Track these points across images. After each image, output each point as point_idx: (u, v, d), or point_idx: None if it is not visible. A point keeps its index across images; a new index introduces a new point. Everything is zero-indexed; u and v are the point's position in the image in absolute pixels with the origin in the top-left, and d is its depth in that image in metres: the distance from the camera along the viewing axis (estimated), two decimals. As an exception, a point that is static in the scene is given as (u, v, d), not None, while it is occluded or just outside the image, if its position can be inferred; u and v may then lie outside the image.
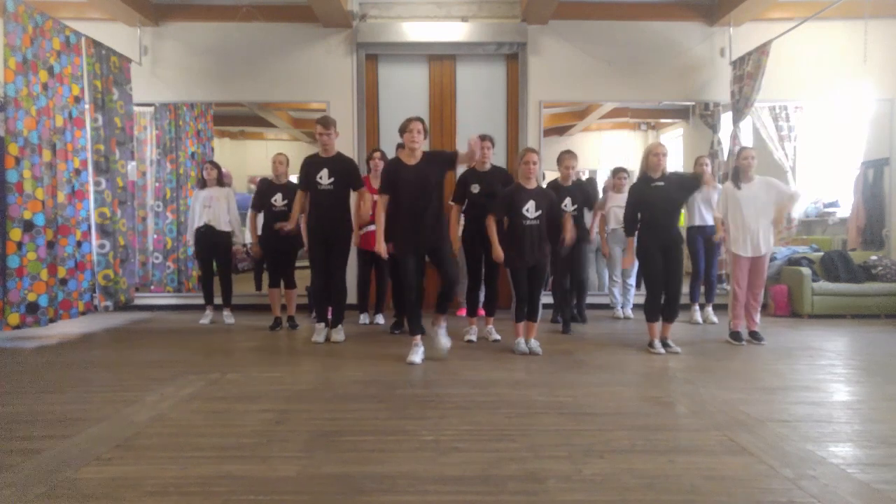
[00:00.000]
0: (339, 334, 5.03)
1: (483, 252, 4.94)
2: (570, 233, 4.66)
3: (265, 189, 5.63)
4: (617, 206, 5.84)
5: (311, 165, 4.91)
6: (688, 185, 4.80)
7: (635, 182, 4.85)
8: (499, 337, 5.01)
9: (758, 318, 4.98)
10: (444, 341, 4.37)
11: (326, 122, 4.89)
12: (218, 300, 6.10)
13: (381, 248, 4.30)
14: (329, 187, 4.85)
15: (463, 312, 5.97)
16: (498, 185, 4.86)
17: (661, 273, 4.56)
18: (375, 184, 5.30)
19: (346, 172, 4.92)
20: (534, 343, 4.59)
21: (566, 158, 5.17)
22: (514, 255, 4.53)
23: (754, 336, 4.93)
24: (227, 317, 6.07)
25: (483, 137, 4.94)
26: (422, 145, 4.33)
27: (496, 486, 2.21)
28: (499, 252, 4.53)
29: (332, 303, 5.07)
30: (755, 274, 4.90)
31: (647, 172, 4.65)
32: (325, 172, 4.85)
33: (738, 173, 4.94)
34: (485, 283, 5.10)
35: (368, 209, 5.03)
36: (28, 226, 4.84)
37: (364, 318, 5.95)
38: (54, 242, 5.16)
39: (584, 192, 5.41)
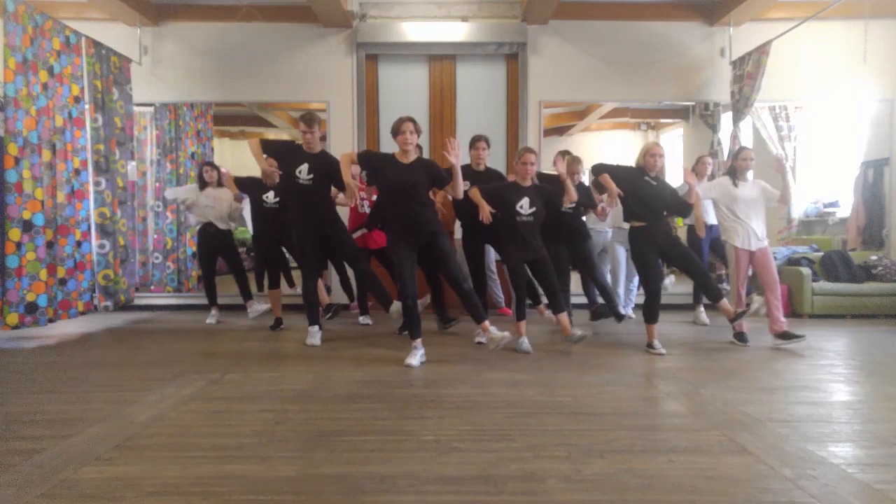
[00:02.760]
0: (397, 313, 4.51)
1: (481, 251, 4.95)
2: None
3: (258, 186, 5.49)
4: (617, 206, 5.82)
5: (292, 153, 4.72)
6: (678, 201, 4.70)
7: (632, 167, 4.78)
8: (484, 340, 4.78)
9: (781, 316, 4.82)
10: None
11: (310, 121, 4.68)
12: (224, 300, 6.08)
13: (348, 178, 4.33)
14: (308, 183, 4.69)
15: (505, 312, 6.07)
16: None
17: (659, 274, 4.56)
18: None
19: (326, 172, 4.72)
20: (577, 331, 4.51)
21: (573, 164, 5.24)
22: (510, 251, 4.54)
23: (785, 336, 4.74)
24: (253, 311, 5.96)
25: (478, 138, 4.94)
26: (415, 144, 4.28)
27: (496, 486, 2.21)
28: (486, 213, 4.44)
29: (365, 290, 5.08)
30: (763, 270, 4.84)
31: (643, 168, 4.65)
32: (304, 167, 4.68)
33: (734, 172, 4.92)
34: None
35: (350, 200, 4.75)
36: (27, 226, 4.84)
37: (366, 320, 5.93)
38: (54, 242, 5.16)
39: (583, 192, 5.40)
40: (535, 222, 4.55)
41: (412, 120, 4.24)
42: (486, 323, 4.32)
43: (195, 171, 6.88)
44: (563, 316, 4.63)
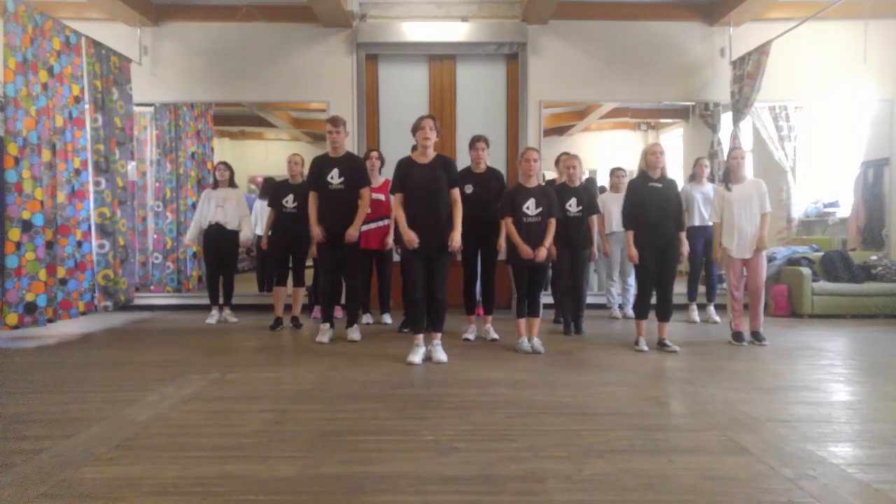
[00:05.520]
0: (354, 333, 5.02)
1: (477, 251, 4.96)
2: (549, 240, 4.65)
3: (278, 189, 5.66)
4: (616, 206, 5.83)
5: (320, 165, 4.89)
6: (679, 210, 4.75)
7: (633, 179, 4.88)
8: (497, 336, 4.99)
9: (761, 318, 4.95)
10: (441, 356, 4.23)
11: (336, 121, 4.90)
12: (237, 300, 6.12)
13: (409, 236, 4.16)
14: (339, 187, 4.83)
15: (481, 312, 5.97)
16: (492, 186, 4.87)
17: (654, 273, 4.61)
18: (373, 183, 5.31)
19: (355, 171, 4.90)
20: (536, 341, 4.59)
21: (568, 158, 5.27)
22: (515, 253, 4.54)
23: (756, 336, 4.92)
24: (230, 315, 6.09)
25: (477, 138, 4.94)
26: (434, 143, 4.29)
27: (496, 486, 2.21)
28: (526, 250, 4.45)
29: (346, 303, 5.08)
30: (752, 274, 4.87)
31: (647, 171, 4.68)
32: (335, 172, 4.82)
33: (728, 174, 4.96)
34: (481, 283, 5.11)
35: (366, 208, 4.99)
36: (27, 226, 4.84)
37: (367, 318, 5.94)
38: (53, 242, 5.15)
39: (590, 195, 5.42)
40: (541, 224, 4.53)
41: (432, 117, 4.30)
42: (421, 337, 4.30)
43: (195, 170, 6.89)
44: (536, 321, 4.65)
